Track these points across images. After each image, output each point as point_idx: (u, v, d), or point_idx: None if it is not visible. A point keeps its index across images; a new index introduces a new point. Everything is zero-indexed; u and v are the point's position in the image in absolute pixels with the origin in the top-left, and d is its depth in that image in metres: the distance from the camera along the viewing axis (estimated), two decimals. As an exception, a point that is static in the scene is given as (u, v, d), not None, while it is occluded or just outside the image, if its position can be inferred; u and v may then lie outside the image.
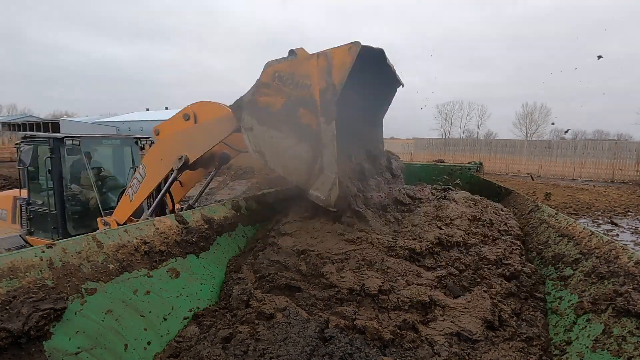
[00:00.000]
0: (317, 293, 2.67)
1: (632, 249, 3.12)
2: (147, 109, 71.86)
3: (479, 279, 2.87)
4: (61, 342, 1.81)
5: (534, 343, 2.28)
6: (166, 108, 67.18)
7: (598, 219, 10.34)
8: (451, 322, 2.30)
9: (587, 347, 2.11)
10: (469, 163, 7.93)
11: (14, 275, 1.80)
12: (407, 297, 2.49)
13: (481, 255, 3.16)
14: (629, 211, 11.39)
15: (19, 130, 44.42)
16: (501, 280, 2.87)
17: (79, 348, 1.87)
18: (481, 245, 3.37)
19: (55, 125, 42.17)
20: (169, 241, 2.91)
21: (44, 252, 1.99)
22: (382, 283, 2.57)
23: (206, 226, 3.38)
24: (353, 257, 2.91)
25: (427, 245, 3.10)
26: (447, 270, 2.87)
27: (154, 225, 2.89)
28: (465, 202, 4.47)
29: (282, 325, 2.22)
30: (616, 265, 2.88)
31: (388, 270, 2.79)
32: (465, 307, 2.46)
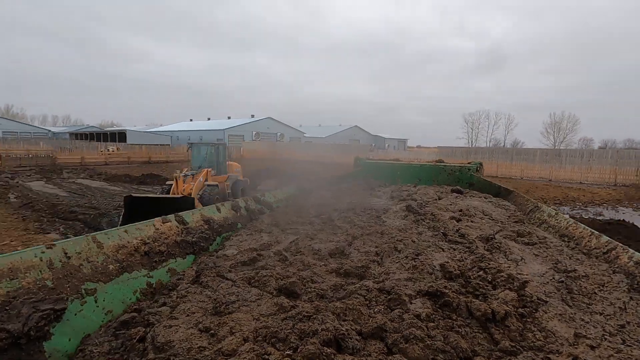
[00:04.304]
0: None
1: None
2: (191, 120, 76.83)
3: None
4: (61, 342, 1.84)
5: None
6: (208, 119, 71.36)
7: (575, 208, 12.55)
8: None
9: None
10: (468, 163, 7.88)
11: (14, 275, 1.83)
12: None
13: None
14: (604, 203, 13.58)
15: (87, 139, 49.86)
16: None
17: (79, 349, 1.90)
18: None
19: (121, 135, 48.32)
20: (169, 241, 2.94)
21: (44, 252, 2.03)
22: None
23: (206, 226, 3.41)
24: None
25: None
26: None
27: (154, 226, 2.92)
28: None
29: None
30: (616, 266, 2.88)
31: None
32: None
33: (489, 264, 2.83)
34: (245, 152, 39.92)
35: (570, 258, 3.31)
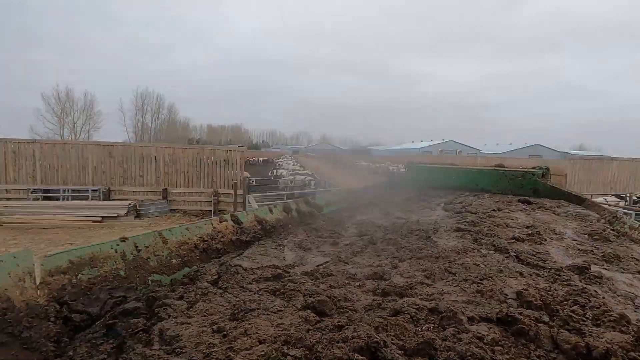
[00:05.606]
0: None
1: None
2: (422, 140, 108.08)
3: None
4: None
5: None
6: (421, 140, 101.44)
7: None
8: None
9: None
10: (533, 168, 7.24)
11: (94, 264, 2.05)
12: None
13: None
14: None
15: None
16: None
17: None
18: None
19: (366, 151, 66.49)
20: (225, 240, 3.09)
21: (118, 245, 2.24)
22: None
23: (259, 227, 3.53)
24: None
25: None
26: None
27: (212, 225, 3.09)
28: None
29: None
30: None
31: None
32: None
33: (590, 300, 2.23)
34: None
35: None
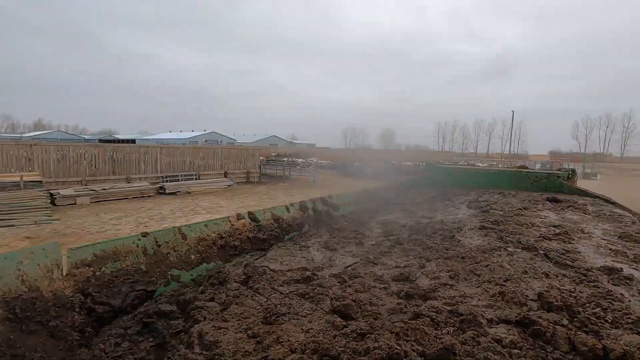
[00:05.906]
0: None
1: None
2: (170, 131, 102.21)
3: None
4: None
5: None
6: (180, 131, 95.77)
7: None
8: None
9: None
10: (558, 170, 7.00)
11: (117, 258, 2.12)
12: None
13: None
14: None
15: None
16: None
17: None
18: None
19: (132, 142, 61.47)
20: (242, 237, 3.13)
21: (140, 240, 2.31)
22: None
23: (276, 225, 3.56)
24: None
25: None
26: None
27: (230, 222, 3.14)
28: None
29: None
30: None
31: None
32: None
33: (613, 303, 2.21)
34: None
35: None
